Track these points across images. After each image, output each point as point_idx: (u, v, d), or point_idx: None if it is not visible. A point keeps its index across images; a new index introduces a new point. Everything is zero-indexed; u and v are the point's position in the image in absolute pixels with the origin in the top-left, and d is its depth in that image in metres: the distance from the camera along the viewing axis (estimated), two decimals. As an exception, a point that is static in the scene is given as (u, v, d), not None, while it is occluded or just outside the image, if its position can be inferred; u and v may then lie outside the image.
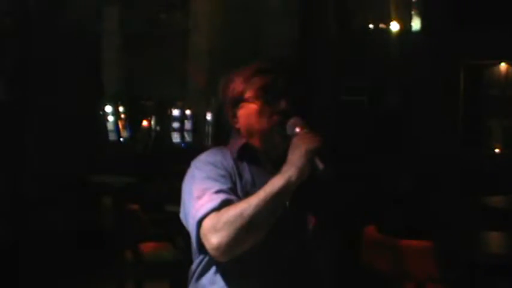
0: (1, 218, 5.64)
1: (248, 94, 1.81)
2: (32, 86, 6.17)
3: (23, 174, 6.08)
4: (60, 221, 5.98)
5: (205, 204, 1.64)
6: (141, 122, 11.46)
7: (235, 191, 1.70)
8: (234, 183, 1.72)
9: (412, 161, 7.81)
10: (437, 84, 8.63)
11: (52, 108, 6.24)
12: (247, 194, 1.68)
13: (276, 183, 1.60)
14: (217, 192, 1.66)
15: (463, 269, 3.53)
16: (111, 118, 11.08)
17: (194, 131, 10.09)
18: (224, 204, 1.62)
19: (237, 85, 1.83)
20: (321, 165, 1.59)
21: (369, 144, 8.34)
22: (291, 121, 1.73)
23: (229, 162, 1.77)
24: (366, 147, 8.24)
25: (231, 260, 1.62)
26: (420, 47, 8.91)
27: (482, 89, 9.19)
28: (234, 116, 1.84)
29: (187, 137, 10.26)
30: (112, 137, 10.90)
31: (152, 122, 11.27)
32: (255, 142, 1.80)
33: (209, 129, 9.51)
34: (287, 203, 1.67)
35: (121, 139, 11.14)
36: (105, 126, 10.71)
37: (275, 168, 1.69)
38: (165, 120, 10.81)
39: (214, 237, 1.58)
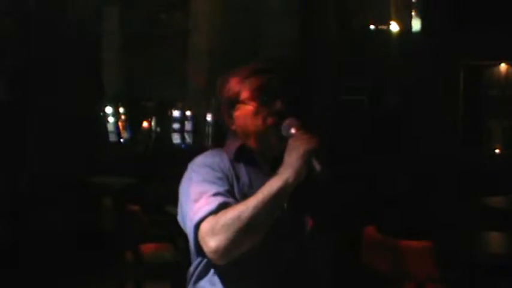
0: (1, 218, 5.64)
1: (243, 95, 1.80)
2: (32, 86, 6.18)
3: (23, 175, 6.09)
4: (61, 222, 5.99)
5: (202, 207, 1.63)
6: (142, 123, 11.48)
7: (233, 193, 1.70)
8: (231, 186, 1.72)
9: (412, 162, 7.80)
10: (437, 85, 8.62)
11: (52, 109, 6.24)
12: (244, 195, 1.68)
13: (273, 185, 1.59)
14: (215, 195, 1.65)
15: (463, 269, 3.53)
16: (111, 119, 11.10)
17: (194, 132, 10.08)
18: (221, 207, 1.61)
19: (233, 86, 1.82)
20: (318, 166, 1.59)
21: (369, 145, 8.34)
22: (287, 122, 1.72)
23: (226, 164, 1.76)
24: (366, 147, 8.24)
25: (229, 262, 1.61)
26: (420, 47, 8.90)
27: (482, 89, 9.18)
28: (230, 117, 1.83)
29: (188, 138, 10.25)
30: (112, 138, 10.92)
31: (152, 123, 11.29)
32: (251, 143, 1.80)
33: (209, 130, 9.50)
34: (285, 204, 1.66)
35: (121, 140, 11.15)
36: (106, 127, 10.72)
37: (272, 169, 1.69)
38: (165, 121, 10.82)
39: (212, 241, 1.57)
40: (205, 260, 1.71)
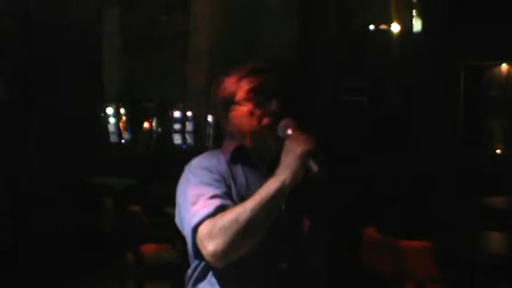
0: (1, 218, 5.64)
1: (239, 96, 1.78)
2: (32, 87, 6.18)
3: (23, 175, 6.09)
4: (61, 222, 5.99)
5: (200, 210, 1.62)
6: (142, 123, 11.49)
7: (230, 195, 1.69)
8: (229, 187, 1.71)
9: (412, 162, 7.80)
10: (437, 85, 8.62)
11: (53, 109, 6.24)
12: (242, 197, 1.67)
13: (270, 187, 1.59)
14: (212, 197, 1.64)
15: (463, 269, 3.53)
16: (112, 120, 11.11)
17: (195, 132, 10.08)
18: (219, 210, 1.60)
19: (228, 86, 1.81)
20: (315, 167, 1.58)
21: (369, 145, 8.34)
22: (283, 122, 1.71)
23: (223, 165, 1.75)
24: (366, 148, 8.24)
25: (228, 265, 1.61)
26: (420, 47, 8.90)
27: (483, 89, 9.18)
28: (226, 118, 1.82)
29: (189, 139, 10.25)
30: (113, 138, 10.93)
31: (153, 124, 11.29)
32: (248, 144, 1.78)
33: (210, 130, 9.50)
34: (283, 206, 1.66)
35: (122, 141, 11.16)
36: (107, 128, 10.73)
37: (269, 169, 1.68)
38: (166, 121, 10.83)
39: (210, 244, 1.57)
40: (203, 263, 1.70)
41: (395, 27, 9.33)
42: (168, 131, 10.61)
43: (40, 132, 6.19)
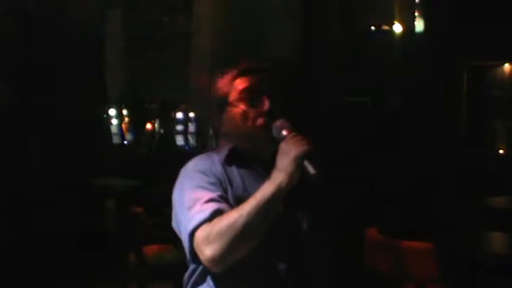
0: (1, 218, 5.64)
1: (232, 97, 1.76)
2: (34, 87, 6.18)
3: (24, 175, 6.09)
4: (64, 223, 5.99)
5: (196, 215, 1.61)
6: (145, 124, 11.51)
7: (226, 198, 1.67)
8: (225, 190, 1.69)
9: (414, 162, 7.80)
10: (440, 85, 8.62)
11: (54, 110, 6.24)
12: (238, 198, 1.66)
13: (266, 190, 1.57)
14: (208, 201, 1.62)
15: (464, 269, 3.53)
16: (115, 121, 11.12)
17: (198, 133, 10.07)
18: (216, 214, 1.59)
19: (221, 87, 1.79)
20: (311, 169, 1.57)
21: (371, 146, 8.33)
22: (278, 123, 1.68)
23: (218, 167, 1.73)
24: (368, 148, 8.23)
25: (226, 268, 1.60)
26: (423, 48, 8.91)
27: (486, 89, 9.19)
28: (220, 119, 1.79)
29: (191, 140, 10.25)
30: (116, 140, 10.93)
31: (156, 125, 11.31)
32: (242, 145, 1.75)
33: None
34: (281, 207, 1.64)
35: (125, 142, 11.18)
36: (109, 129, 10.73)
37: (265, 170, 1.67)
38: (168, 123, 10.84)
39: (207, 250, 1.56)
40: (201, 267, 1.69)
41: (398, 28, 9.33)
42: (170, 132, 10.61)
43: (42, 133, 6.19)
